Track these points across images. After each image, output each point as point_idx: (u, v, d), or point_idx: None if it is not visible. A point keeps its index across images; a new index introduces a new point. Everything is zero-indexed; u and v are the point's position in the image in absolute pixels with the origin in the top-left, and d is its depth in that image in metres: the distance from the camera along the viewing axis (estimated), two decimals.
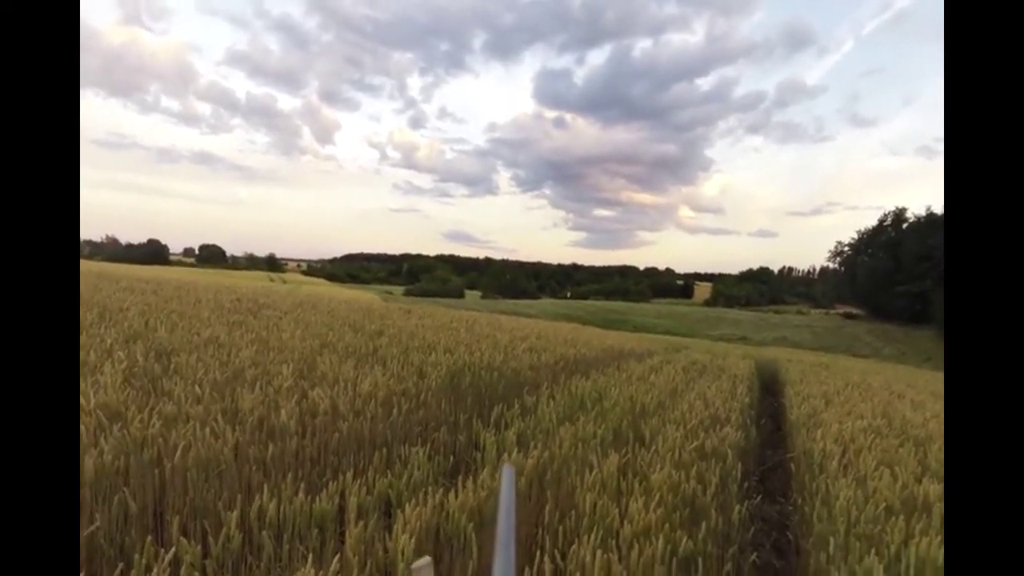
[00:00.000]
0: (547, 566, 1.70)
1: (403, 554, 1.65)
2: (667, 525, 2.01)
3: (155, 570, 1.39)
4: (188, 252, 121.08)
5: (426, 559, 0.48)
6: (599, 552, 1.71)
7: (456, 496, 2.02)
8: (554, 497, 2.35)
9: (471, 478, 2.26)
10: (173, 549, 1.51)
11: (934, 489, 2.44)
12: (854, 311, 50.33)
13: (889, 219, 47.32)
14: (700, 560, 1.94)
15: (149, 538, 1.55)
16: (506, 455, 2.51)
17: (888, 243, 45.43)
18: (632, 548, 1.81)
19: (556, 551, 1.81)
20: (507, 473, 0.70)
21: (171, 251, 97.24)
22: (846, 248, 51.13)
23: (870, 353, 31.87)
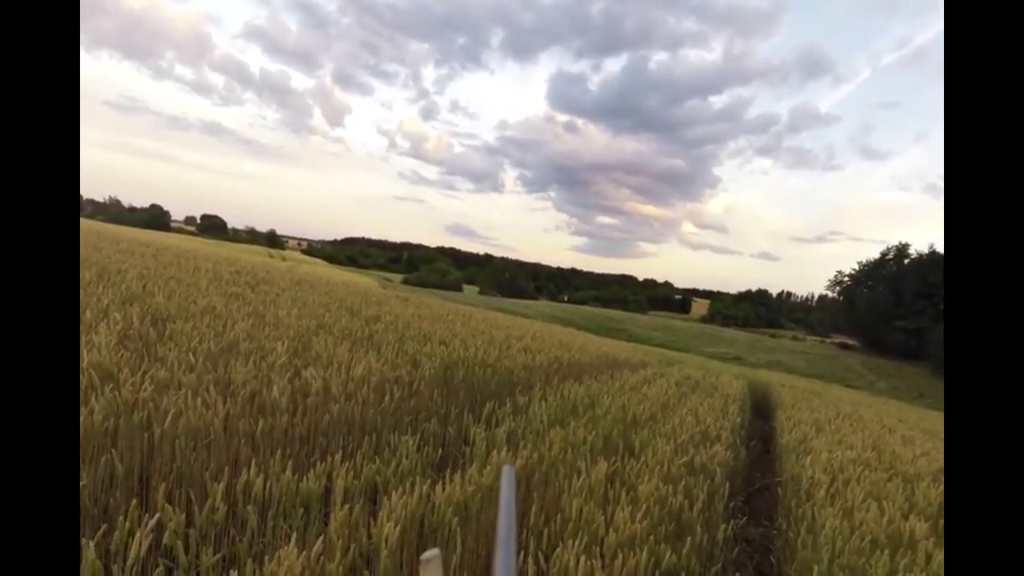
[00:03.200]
0: (530, 568, 1.69)
1: (387, 541, 1.63)
2: (652, 537, 2.00)
3: (138, 534, 1.37)
4: (189, 220, 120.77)
5: (435, 551, 0.46)
6: (583, 558, 1.70)
7: (443, 488, 2.00)
8: (540, 499, 2.33)
9: (459, 472, 2.25)
10: (157, 515, 1.49)
11: (920, 527, 2.43)
12: (849, 342, 50.42)
13: (892, 253, 47.40)
14: None
15: (134, 501, 1.54)
16: (496, 452, 2.50)
17: (889, 277, 45.50)
18: (616, 557, 1.80)
19: (540, 553, 1.80)
20: (507, 474, 0.68)
21: (172, 218, 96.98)
22: (846, 278, 51.22)
23: (863, 385, 31.95)
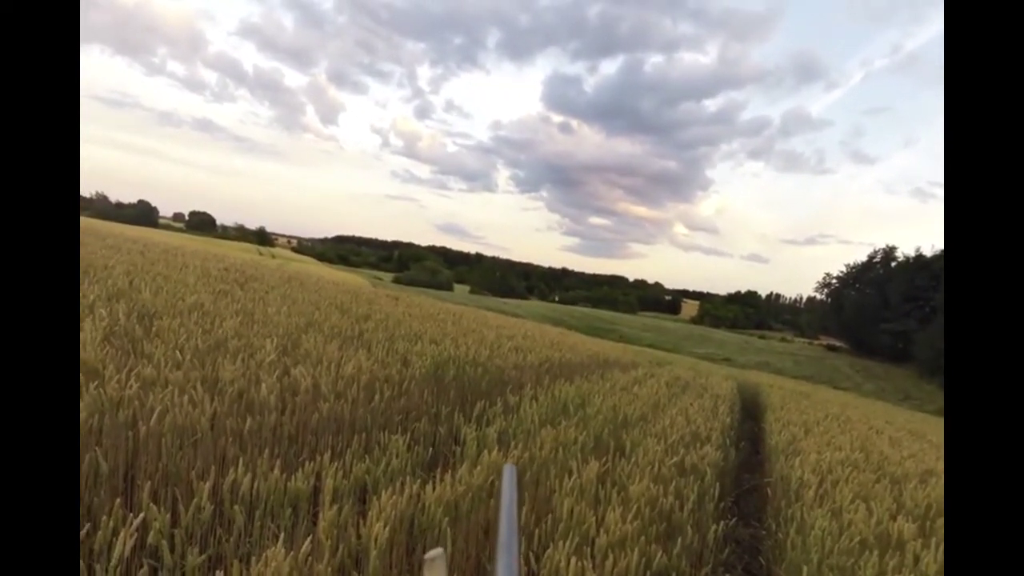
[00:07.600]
0: (521, 569, 1.68)
1: (376, 542, 1.61)
2: (643, 538, 2.00)
3: (122, 534, 1.35)
4: (178, 217, 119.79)
5: (439, 550, 0.45)
6: (573, 559, 1.69)
7: (433, 488, 1.98)
8: (532, 499, 2.32)
9: (449, 471, 2.23)
10: (142, 514, 1.46)
11: (908, 528, 2.45)
12: (837, 343, 50.89)
13: (879, 256, 47.92)
14: None
15: (118, 500, 1.51)
16: (487, 452, 2.48)
17: (876, 280, 45.99)
18: (607, 558, 1.79)
19: (531, 553, 1.79)
20: (508, 473, 0.67)
21: (161, 214, 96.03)
22: (834, 281, 51.76)
23: (851, 387, 32.26)
